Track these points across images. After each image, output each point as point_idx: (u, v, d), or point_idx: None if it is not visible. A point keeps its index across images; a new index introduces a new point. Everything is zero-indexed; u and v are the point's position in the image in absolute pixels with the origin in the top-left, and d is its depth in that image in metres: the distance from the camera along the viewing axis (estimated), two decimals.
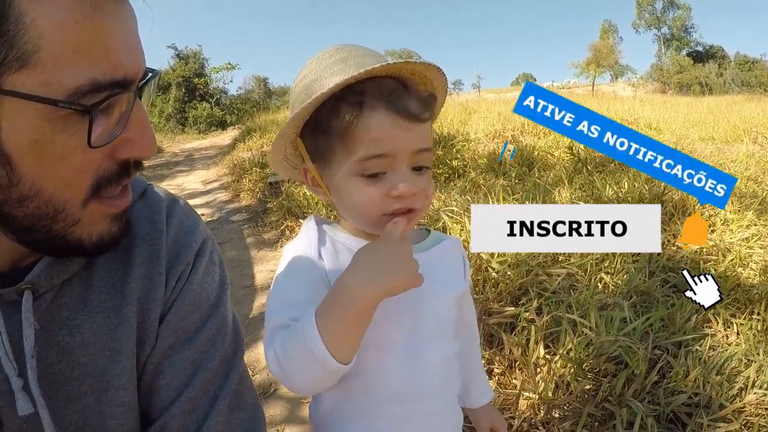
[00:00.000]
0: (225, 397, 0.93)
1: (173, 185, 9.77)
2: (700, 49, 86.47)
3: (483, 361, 2.53)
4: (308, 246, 1.00)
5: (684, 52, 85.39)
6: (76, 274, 0.86)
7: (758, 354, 2.47)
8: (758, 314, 2.85)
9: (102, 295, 0.88)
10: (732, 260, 3.44)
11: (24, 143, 0.65)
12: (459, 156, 7.43)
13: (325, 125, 0.94)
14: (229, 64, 34.13)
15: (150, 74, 0.77)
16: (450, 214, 3.91)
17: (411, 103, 0.92)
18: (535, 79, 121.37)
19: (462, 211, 3.93)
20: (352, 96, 0.91)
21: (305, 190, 5.99)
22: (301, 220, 5.22)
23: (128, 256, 0.90)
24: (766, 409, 2.13)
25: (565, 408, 2.23)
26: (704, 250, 3.62)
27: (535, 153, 7.22)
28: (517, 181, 5.83)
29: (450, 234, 3.67)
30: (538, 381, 2.31)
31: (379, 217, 0.95)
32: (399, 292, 0.86)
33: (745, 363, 2.41)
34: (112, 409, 0.87)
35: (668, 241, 3.79)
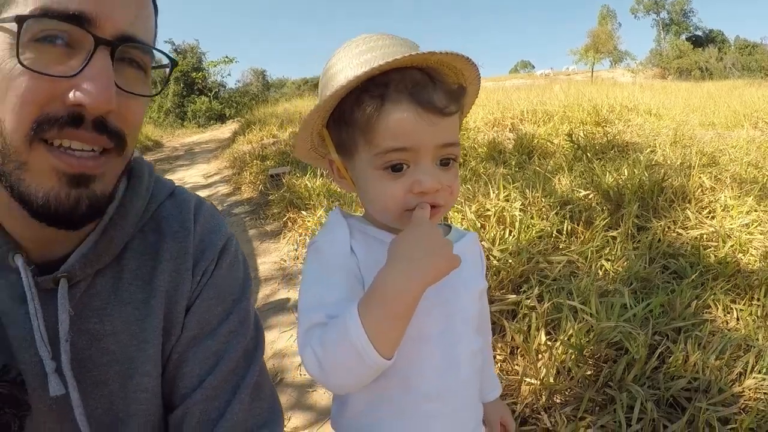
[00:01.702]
0: (246, 387, 0.96)
1: (174, 179, 9.65)
2: (699, 33, 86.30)
3: None
4: (339, 241, 0.97)
5: (683, 37, 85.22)
6: (108, 266, 0.90)
7: (758, 339, 2.49)
8: (758, 299, 2.87)
9: (132, 287, 0.92)
10: (732, 246, 3.46)
11: None
12: (459, 145, 7.44)
13: (348, 117, 0.93)
14: (227, 57, 33.97)
15: (142, 45, 0.80)
16: None
17: (436, 96, 0.90)
18: (534, 67, 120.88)
19: (463, 200, 3.95)
20: (375, 88, 0.89)
21: (306, 182, 6.01)
22: (303, 212, 5.24)
23: (157, 251, 0.95)
24: (765, 393, 2.16)
25: (567, 393, 2.26)
26: (704, 236, 3.64)
27: (535, 141, 7.22)
28: (517, 169, 5.84)
29: (451, 222, 3.70)
30: (540, 367, 2.34)
31: (401, 213, 0.93)
32: (441, 278, 0.84)
33: (744, 348, 2.43)
34: (136, 394, 0.92)
35: (669, 227, 3.82)
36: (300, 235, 4.99)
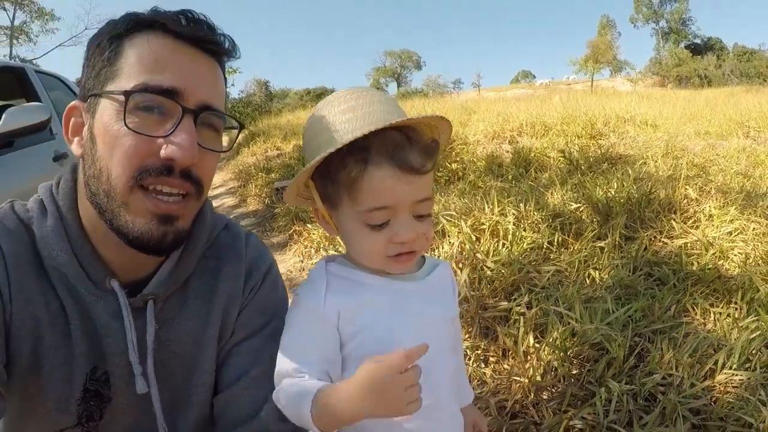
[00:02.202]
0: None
1: None
2: (698, 41, 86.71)
3: (479, 351, 2.81)
4: (316, 299, 1.06)
5: (682, 45, 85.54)
6: (177, 288, 1.13)
7: (731, 339, 2.70)
8: (735, 303, 3.07)
9: (194, 303, 1.16)
10: (714, 253, 3.66)
11: (101, 127, 0.96)
12: (458, 159, 7.66)
13: (334, 175, 1.03)
14: (230, 67, 34.27)
15: (219, 114, 1.04)
16: (448, 218, 4.16)
17: (414, 157, 0.99)
18: (534, 77, 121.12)
19: (459, 215, 4.17)
20: (358, 152, 0.98)
21: None
22: (308, 225, 5.45)
23: (217, 274, 1.18)
24: (734, 387, 2.37)
25: (552, 390, 2.49)
26: (688, 244, 3.85)
27: (532, 155, 7.43)
28: (513, 183, 6.05)
29: (448, 236, 3.93)
30: (528, 367, 2.56)
31: (383, 259, 1.05)
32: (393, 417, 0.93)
33: (717, 347, 2.64)
34: (196, 387, 1.17)
35: (655, 237, 4.04)
36: (305, 248, 5.19)
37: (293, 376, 1.02)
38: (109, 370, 1.07)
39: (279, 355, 1.06)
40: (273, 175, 8.98)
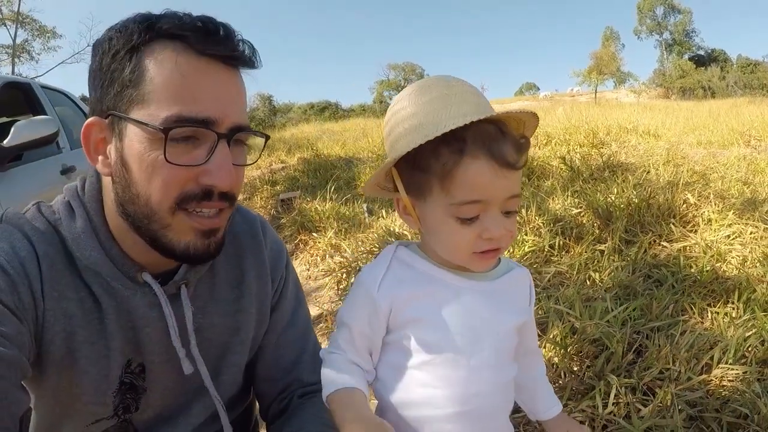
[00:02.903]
0: (313, 342, 1.39)
1: None
2: (702, 53, 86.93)
3: None
4: (372, 281, 1.06)
5: (686, 57, 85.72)
6: (204, 275, 1.19)
7: (727, 336, 2.78)
8: (732, 303, 3.16)
9: (224, 290, 1.22)
10: (712, 256, 3.75)
11: (135, 154, 0.97)
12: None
13: (425, 165, 0.99)
14: None
15: (251, 132, 1.07)
16: None
17: (508, 152, 0.96)
18: (538, 89, 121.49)
19: None
20: (454, 142, 0.95)
21: (317, 206, 6.33)
22: (314, 234, 5.55)
23: (240, 262, 1.26)
24: (730, 381, 2.45)
25: (553, 385, 2.56)
26: (687, 248, 3.94)
27: (534, 163, 7.54)
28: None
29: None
30: None
31: (470, 255, 1.01)
32: None
33: (713, 343, 2.72)
34: (226, 368, 1.26)
35: (654, 241, 4.13)
36: (312, 256, 5.30)
37: (337, 349, 1.08)
38: (147, 360, 1.13)
39: (338, 316, 1.12)
40: (278, 187, 9.08)
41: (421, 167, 1.00)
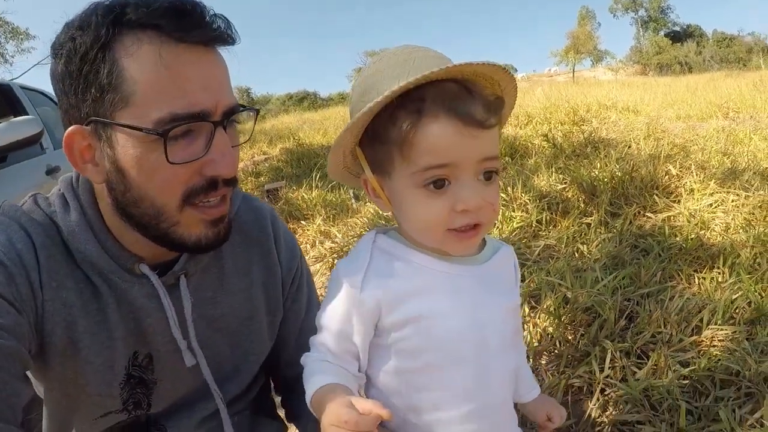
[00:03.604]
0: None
1: None
2: (677, 29, 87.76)
3: None
4: (354, 279, 0.96)
5: (662, 33, 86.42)
6: (211, 265, 1.18)
7: (714, 299, 2.87)
8: (718, 268, 3.25)
9: (233, 279, 1.21)
10: (696, 224, 3.85)
11: (130, 160, 0.93)
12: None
13: (383, 134, 0.90)
14: None
15: (242, 109, 1.02)
16: None
17: (475, 109, 0.86)
18: (516, 70, 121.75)
19: None
20: (410, 103, 0.87)
21: (303, 194, 6.35)
22: (303, 222, 5.58)
23: (247, 252, 1.24)
24: (720, 341, 2.53)
25: (549, 354, 2.64)
26: (671, 217, 4.03)
27: (517, 142, 7.61)
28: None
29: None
30: (525, 335, 2.72)
31: (444, 233, 0.91)
32: None
33: (702, 307, 2.80)
34: (242, 357, 1.26)
35: (639, 212, 4.21)
36: (301, 244, 5.31)
37: (318, 353, 0.99)
38: (153, 350, 1.11)
39: (317, 319, 1.02)
40: (262, 178, 9.08)
41: (380, 138, 0.92)
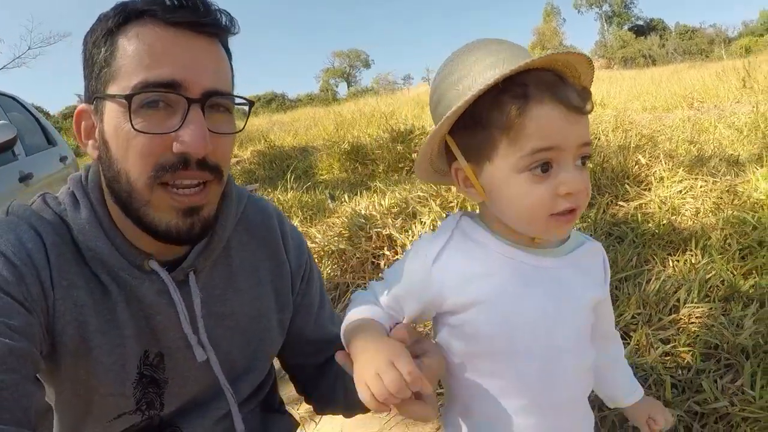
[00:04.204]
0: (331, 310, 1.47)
1: None
2: (641, 23, 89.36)
3: None
4: (429, 253, 0.99)
5: (626, 27, 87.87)
6: (220, 262, 1.19)
7: (689, 279, 2.99)
8: (690, 250, 3.38)
9: (242, 278, 1.22)
10: (667, 210, 3.99)
11: (111, 131, 0.97)
12: (417, 149, 7.93)
13: (485, 119, 0.91)
14: None
15: (227, 96, 1.03)
16: (417, 200, 4.44)
17: (573, 95, 0.89)
18: None
19: (428, 196, 4.44)
20: (515, 88, 0.89)
21: (279, 196, 6.38)
22: None
23: (254, 251, 1.26)
24: (698, 317, 2.66)
25: None
26: (643, 205, 4.17)
27: None
28: None
29: (419, 216, 4.17)
30: None
31: (547, 218, 0.92)
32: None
33: (678, 287, 2.92)
34: (253, 356, 1.26)
35: (612, 201, 4.34)
36: None
37: (368, 292, 1.08)
38: (164, 348, 1.11)
39: (384, 272, 1.07)
40: (236, 182, 9.07)
41: (482, 123, 0.92)
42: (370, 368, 0.83)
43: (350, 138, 9.97)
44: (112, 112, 0.97)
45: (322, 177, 8.15)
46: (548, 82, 0.90)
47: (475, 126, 0.92)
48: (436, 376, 0.99)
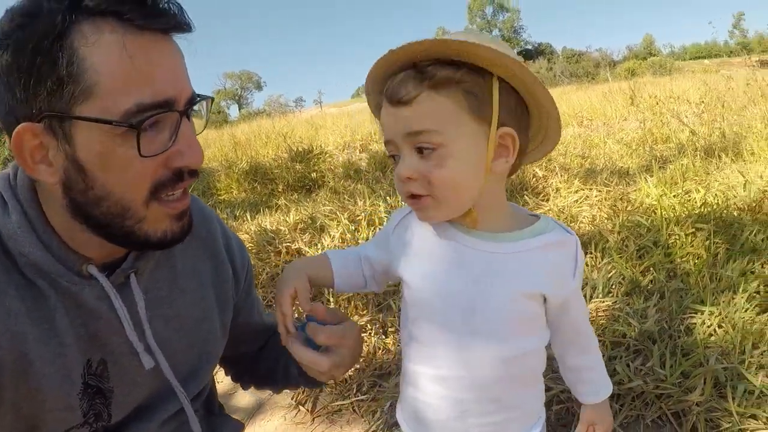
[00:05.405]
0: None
1: None
2: (529, 47, 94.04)
3: (378, 325, 3.11)
4: (393, 219, 1.16)
5: (516, 51, 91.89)
6: (162, 263, 1.16)
7: (593, 278, 3.22)
8: (591, 252, 3.62)
9: (186, 279, 1.20)
10: (565, 218, 4.27)
11: (93, 156, 0.89)
12: (317, 168, 8.07)
13: None
14: None
15: (199, 98, 1.00)
16: (324, 214, 4.52)
17: (394, 87, 0.96)
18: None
19: (336, 209, 4.54)
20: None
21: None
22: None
23: (196, 252, 1.24)
24: (604, 311, 2.89)
25: None
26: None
27: (386, 157, 7.93)
28: (375, 182, 6.58)
29: (327, 229, 4.25)
30: None
31: (405, 199, 1.03)
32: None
33: (582, 286, 3.11)
34: (200, 355, 1.25)
35: None
36: None
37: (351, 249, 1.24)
38: (107, 354, 1.06)
39: None
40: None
41: None
42: (284, 282, 1.12)
43: (247, 158, 10.00)
44: (94, 135, 0.88)
45: (221, 197, 8.05)
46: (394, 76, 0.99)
47: None
48: (345, 346, 1.14)
